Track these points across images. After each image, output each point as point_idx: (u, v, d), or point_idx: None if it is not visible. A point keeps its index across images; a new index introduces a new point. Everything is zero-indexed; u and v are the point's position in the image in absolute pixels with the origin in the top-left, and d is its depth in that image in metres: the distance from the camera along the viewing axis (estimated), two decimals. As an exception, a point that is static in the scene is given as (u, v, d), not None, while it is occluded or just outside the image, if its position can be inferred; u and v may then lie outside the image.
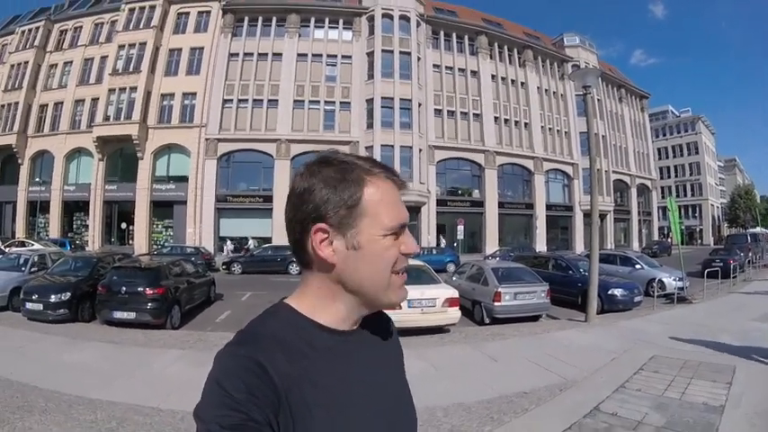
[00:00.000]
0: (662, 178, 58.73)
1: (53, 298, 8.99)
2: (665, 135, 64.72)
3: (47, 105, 31.41)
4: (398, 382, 0.90)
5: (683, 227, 45.90)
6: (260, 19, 30.46)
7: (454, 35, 32.85)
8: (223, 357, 0.71)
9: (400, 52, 29.62)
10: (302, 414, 0.69)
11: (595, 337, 7.78)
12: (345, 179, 0.75)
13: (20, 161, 30.71)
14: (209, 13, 30.51)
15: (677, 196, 57.85)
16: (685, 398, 4.64)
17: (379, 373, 0.83)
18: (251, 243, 25.89)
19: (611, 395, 4.74)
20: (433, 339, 7.84)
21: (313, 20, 30.70)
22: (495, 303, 9.41)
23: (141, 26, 29.75)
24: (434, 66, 31.53)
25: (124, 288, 8.93)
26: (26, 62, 31.78)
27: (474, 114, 31.87)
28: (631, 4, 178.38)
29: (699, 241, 57.13)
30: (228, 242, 26.33)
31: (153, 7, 30.09)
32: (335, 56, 30.29)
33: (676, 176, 63.71)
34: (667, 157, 64.17)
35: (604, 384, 5.12)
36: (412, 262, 10.73)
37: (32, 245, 20.29)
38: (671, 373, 5.46)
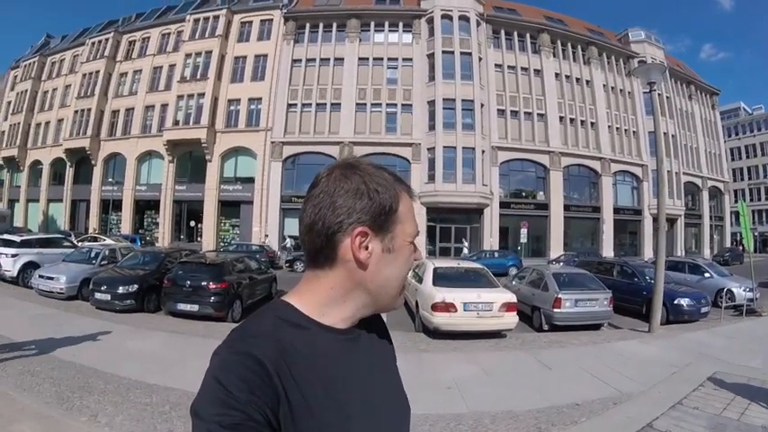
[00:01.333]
0: (734, 180, 54.97)
1: (121, 289, 9.41)
2: (737, 134, 60.63)
3: (118, 111, 33.22)
4: (394, 378, 0.90)
5: (755, 233, 42.86)
6: (321, 25, 30.91)
7: (515, 34, 32.02)
8: (222, 354, 0.71)
9: (461, 53, 29.18)
10: (301, 412, 0.69)
11: (657, 349, 7.49)
12: (385, 186, 0.79)
13: (93, 162, 32.62)
14: (271, 21, 31.29)
15: (750, 200, 54.12)
16: (744, 419, 4.34)
17: (376, 370, 0.84)
18: (288, 242, 26.31)
19: (666, 412, 4.53)
20: (488, 344, 7.65)
21: (373, 24, 30.82)
22: (555, 310, 9.19)
23: (207, 35, 30.92)
24: (496, 65, 30.85)
25: (189, 282, 9.22)
26: (97, 71, 33.78)
27: (538, 114, 30.89)
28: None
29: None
30: (288, 240, 26.65)
31: (217, 17, 31.23)
32: (396, 59, 30.23)
33: (750, 179, 59.50)
34: (740, 158, 60.08)
35: (661, 400, 4.88)
36: (470, 265, 10.69)
37: (104, 240, 21.20)
38: (732, 391, 5.15)
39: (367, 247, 0.76)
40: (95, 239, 21.69)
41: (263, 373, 0.67)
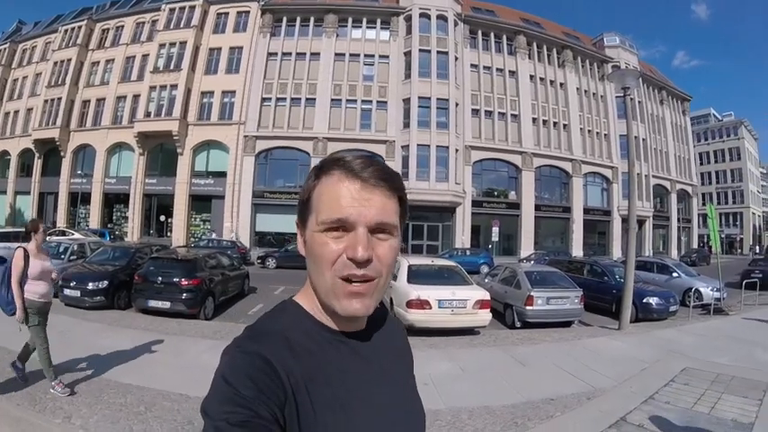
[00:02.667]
0: (703, 184, 56.54)
1: (90, 285, 9.23)
2: (706, 139, 62.34)
3: (89, 101, 32.39)
4: (406, 383, 0.89)
5: (722, 235, 44.21)
6: (298, 19, 30.65)
7: (492, 35, 32.33)
8: (231, 353, 0.70)
9: (438, 52, 29.35)
10: (308, 412, 0.68)
11: (627, 345, 7.63)
12: (309, 176, 0.78)
13: (62, 154, 31.74)
14: (247, 13, 30.89)
15: (718, 203, 55.81)
16: (714, 413, 4.51)
17: (385, 374, 0.82)
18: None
19: (638, 406, 4.65)
20: (463, 341, 7.73)
21: (350, 20, 30.72)
22: (527, 307, 9.26)
23: (182, 26, 30.36)
24: (472, 65, 31.09)
25: (160, 278, 9.08)
26: (69, 60, 32.84)
27: (512, 115, 31.27)
28: (674, 4, 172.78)
29: (739, 251, 54.89)
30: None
31: (193, 7, 30.69)
32: (373, 55, 30.20)
33: (717, 183, 61.29)
34: (708, 163, 61.84)
35: (633, 395, 5.01)
36: (444, 262, 10.73)
37: (73, 234, 20.75)
38: (702, 386, 5.32)
39: (303, 239, 0.78)
40: (63, 233, 21.20)
41: (272, 373, 0.67)
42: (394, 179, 0.76)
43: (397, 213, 0.76)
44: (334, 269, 0.71)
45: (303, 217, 0.77)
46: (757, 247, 52.67)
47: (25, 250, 4.42)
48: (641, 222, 34.53)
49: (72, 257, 11.57)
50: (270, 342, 0.71)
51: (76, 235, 20.08)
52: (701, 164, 59.11)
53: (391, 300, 8.81)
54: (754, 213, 59.93)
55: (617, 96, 32.52)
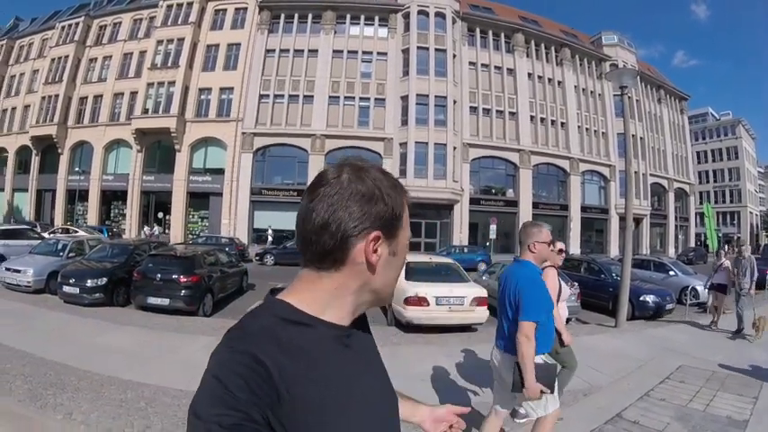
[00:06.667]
0: (700, 183, 56.62)
1: (89, 282, 9.18)
2: (704, 138, 62.37)
3: (86, 98, 32.26)
4: (383, 373, 0.92)
5: (719, 234, 44.26)
6: (296, 16, 30.63)
7: (490, 32, 32.34)
8: (222, 353, 0.70)
9: (436, 49, 29.32)
10: (302, 411, 0.68)
11: (623, 343, 7.67)
12: (396, 192, 0.81)
13: (60, 151, 31.65)
14: (245, 9, 30.83)
15: (715, 202, 55.90)
16: (709, 410, 4.55)
17: (369, 366, 0.86)
18: (270, 232, 26.41)
19: (634, 403, 4.70)
20: (460, 338, 7.71)
21: (348, 17, 30.70)
22: None
23: (179, 22, 30.27)
24: (470, 63, 31.10)
25: (159, 275, 9.06)
26: (66, 56, 32.71)
27: (510, 113, 31.29)
28: (673, 4, 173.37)
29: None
30: (270, 231, 26.61)
31: (190, 4, 30.60)
32: (371, 52, 30.18)
33: (715, 181, 61.34)
34: (706, 161, 61.86)
35: (629, 392, 5.06)
36: (441, 260, 10.85)
37: (76, 232, 20.70)
38: (697, 383, 5.37)
39: (377, 251, 0.77)
40: (67, 231, 21.13)
41: (264, 373, 0.66)
42: None
43: None
44: None
45: (393, 231, 0.80)
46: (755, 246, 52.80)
47: None
48: (638, 221, 34.66)
49: (71, 255, 11.47)
50: (262, 341, 0.71)
51: (80, 232, 20.03)
52: (699, 163, 59.18)
53: None
54: (751, 212, 59.98)
55: (615, 95, 32.47)
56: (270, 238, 25.96)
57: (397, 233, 0.81)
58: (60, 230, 21.51)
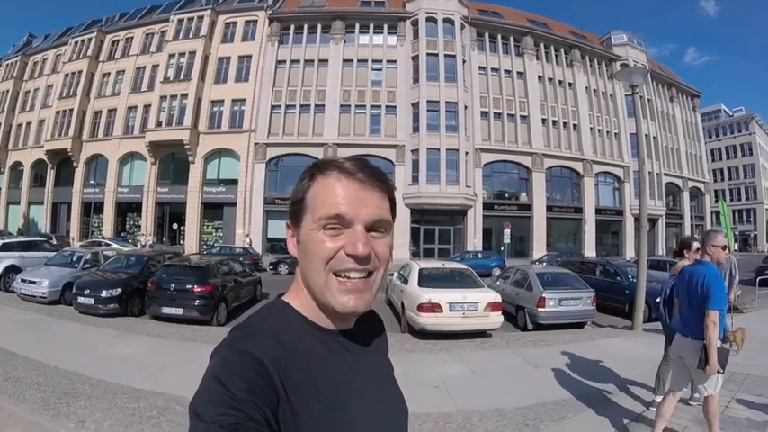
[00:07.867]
0: (715, 181, 55.89)
1: (104, 293, 9.28)
2: (717, 135, 61.60)
3: (100, 112, 32.81)
4: (390, 377, 0.91)
5: (736, 232, 43.65)
6: (305, 27, 30.89)
7: (499, 36, 32.30)
8: (222, 353, 0.70)
9: (445, 55, 29.35)
10: (300, 412, 0.68)
11: (640, 345, 7.54)
12: (302, 178, 0.80)
13: (75, 164, 32.19)
14: (255, 22, 31.17)
15: (730, 200, 55.15)
16: (728, 411, 4.46)
17: (373, 371, 0.85)
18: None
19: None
20: (474, 343, 7.66)
21: (357, 26, 30.88)
22: (539, 309, 9.16)
23: (191, 36, 30.70)
24: (480, 68, 31.07)
25: (173, 285, 9.14)
26: (80, 71, 33.30)
27: (521, 116, 31.16)
28: (682, 1, 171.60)
29: (753, 247, 54.17)
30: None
31: (201, 18, 31.04)
32: (380, 61, 30.31)
33: (730, 179, 60.57)
34: (720, 159, 61.13)
35: (645, 395, 4.99)
36: (455, 265, 10.64)
37: (110, 245, 20.58)
38: None
39: (292, 240, 0.80)
40: (100, 244, 20.85)
41: (264, 373, 0.67)
42: (387, 181, 0.81)
43: (389, 212, 0.80)
44: (329, 266, 0.74)
45: (296, 217, 0.79)
46: None
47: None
48: (654, 221, 34.28)
49: (85, 266, 11.59)
50: (262, 342, 0.71)
51: (114, 245, 19.98)
52: (713, 160, 58.37)
53: (402, 303, 8.81)
54: (767, 209, 59.14)
55: (626, 95, 32.23)
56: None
57: (301, 219, 0.77)
58: (93, 243, 21.51)
